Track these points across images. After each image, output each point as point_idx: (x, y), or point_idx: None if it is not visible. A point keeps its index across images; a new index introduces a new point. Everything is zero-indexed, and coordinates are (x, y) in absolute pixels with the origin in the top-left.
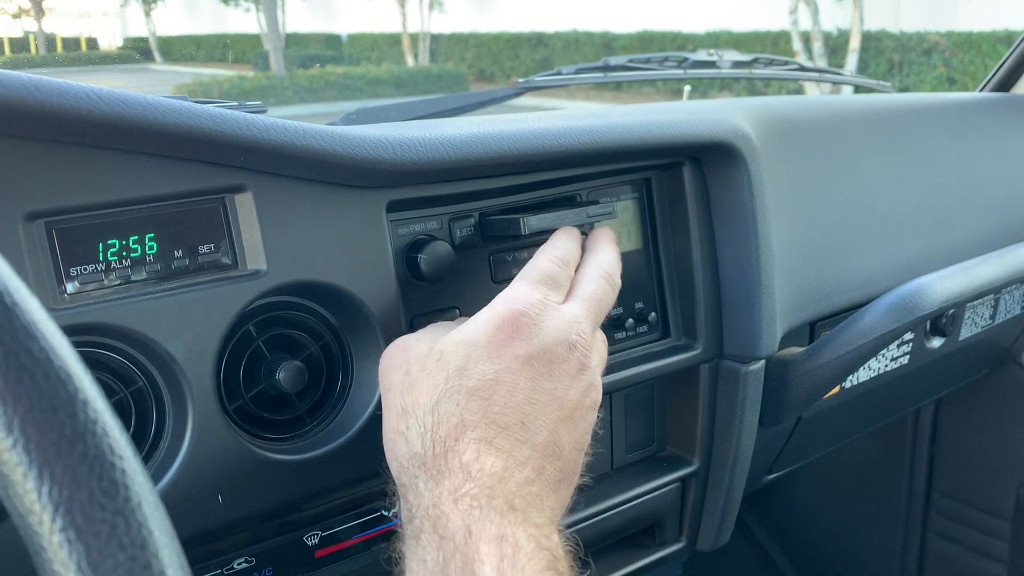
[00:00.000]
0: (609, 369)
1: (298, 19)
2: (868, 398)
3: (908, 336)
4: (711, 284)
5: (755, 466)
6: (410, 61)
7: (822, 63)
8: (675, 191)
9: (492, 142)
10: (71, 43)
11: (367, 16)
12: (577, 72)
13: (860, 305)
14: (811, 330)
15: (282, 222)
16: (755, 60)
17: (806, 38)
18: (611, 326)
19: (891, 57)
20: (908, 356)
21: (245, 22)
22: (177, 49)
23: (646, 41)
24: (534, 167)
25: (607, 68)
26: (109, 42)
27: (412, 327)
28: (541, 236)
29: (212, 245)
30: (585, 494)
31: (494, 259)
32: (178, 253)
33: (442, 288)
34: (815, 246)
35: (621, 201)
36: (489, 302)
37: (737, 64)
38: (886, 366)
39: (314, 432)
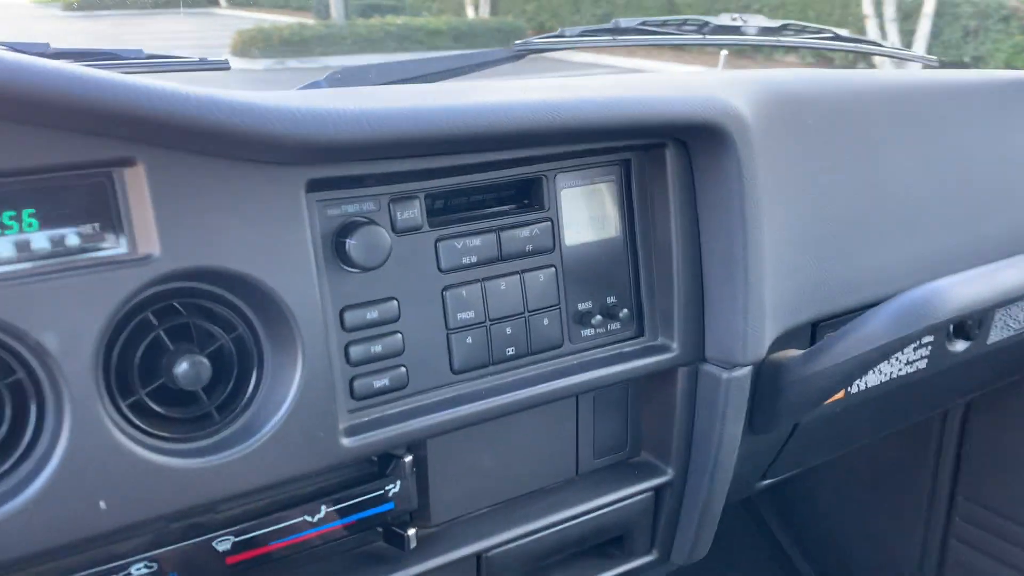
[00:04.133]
0: (574, 369)
1: None
2: (879, 403)
3: (927, 339)
4: (692, 280)
5: (744, 473)
6: (470, 13)
7: (892, 28)
8: (657, 175)
9: (428, 118)
10: None
11: None
12: (582, 35)
13: (871, 307)
14: (813, 332)
15: (179, 201)
16: (784, 27)
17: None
18: (576, 322)
19: (967, 24)
20: (926, 360)
21: None
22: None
23: (709, 1)
24: (487, 146)
25: (616, 31)
26: None
27: (342, 320)
28: (493, 219)
29: (96, 225)
30: (544, 501)
31: (441, 245)
32: (57, 233)
33: (379, 277)
34: (821, 239)
35: (596, 184)
36: (434, 293)
37: (764, 31)
38: (900, 370)
39: (221, 432)
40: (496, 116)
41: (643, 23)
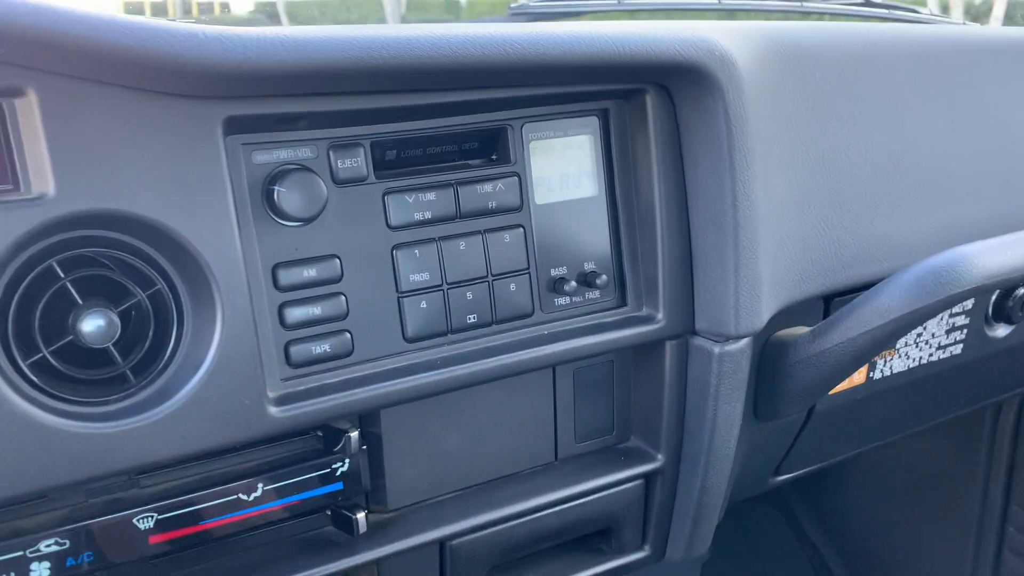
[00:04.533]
0: (545, 339)
1: None
2: (909, 392)
3: (962, 321)
4: (679, 244)
5: (754, 465)
6: None
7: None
8: (638, 127)
9: (358, 45)
10: (206, 7)
11: None
12: None
13: None
14: (825, 306)
15: (77, 136)
16: None
17: None
18: (548, 289)
19: None
20: (962, 346)
21: None
22: (303, 12)
23: None
24: (434, 83)
25: None
26: (240, 7)
27: (275, 278)
28: (450, 173)
29: None
30: (518, 486)
31: (390, 199)
32: None
33: (318, 232)
34: (830, 204)
35: (571, 136)
36: (382, 251)
37: None
38: (930, 355)
39: (135, 395)
40: (442, 47)
41: None
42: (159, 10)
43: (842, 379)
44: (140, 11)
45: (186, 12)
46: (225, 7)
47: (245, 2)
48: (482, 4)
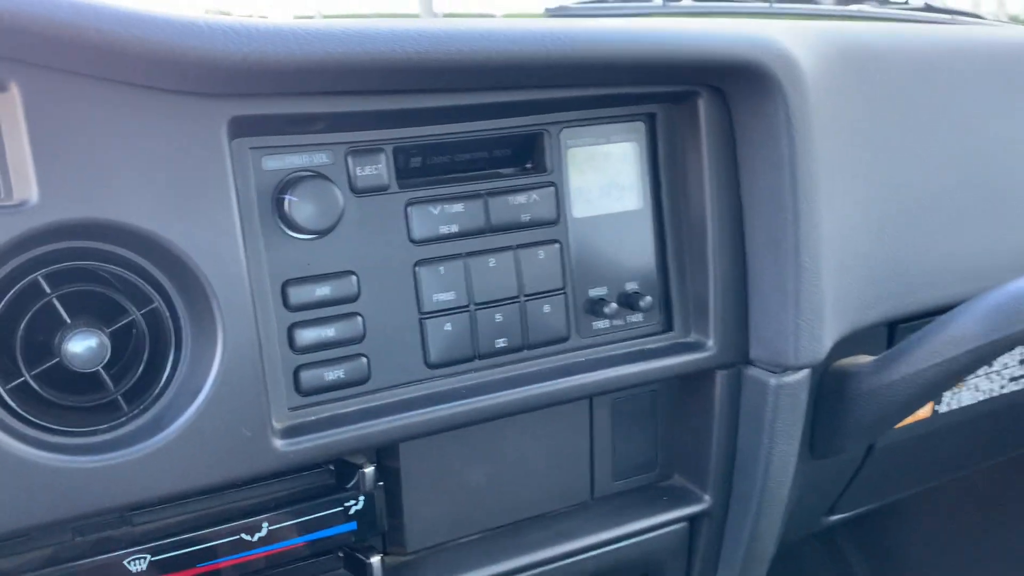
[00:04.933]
0: (582, 367)
1: (455, 2)
2: (977, 426)
3: None
4: (732, 263)
5: (808, 504)
6: None
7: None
8: (688, 133)
9: (378, 39)
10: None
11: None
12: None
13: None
14: (889, 333)
15: (64, 136)
16: None
17: None
18: (586, 311)
19: None
20: None
21: (406, 2)
22: None
23: None
24: (462, 83)
25: None
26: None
27: (285, 296)
28: (480, 182)
29: None
30: (550, 528)
31: (413, 210)
32: None
33: (333, 246)
34: (898, 220)
35: (614, 144)
36: (404, 268)
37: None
38: (1002, 387)
39: (127, 425)
40: (474, 43)
41: None
42: None
43: (908, 414)
44: None
45: None
46: (263, 18)
47: (283, 14)
48: (516, 14)
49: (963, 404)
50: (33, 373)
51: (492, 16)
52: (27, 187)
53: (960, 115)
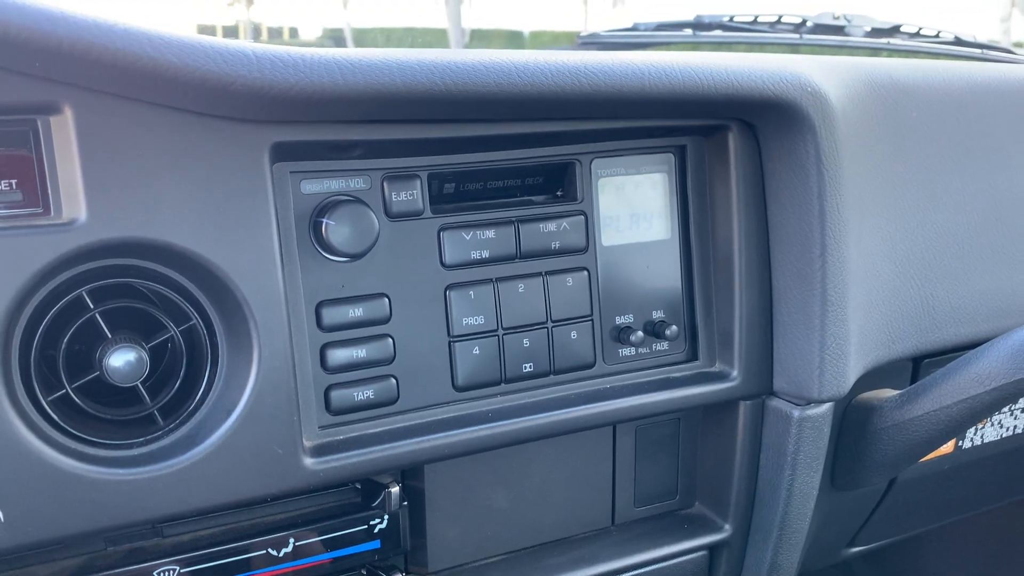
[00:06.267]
0: (607, 394)
1: (483, 15)
2: (1001, 462)
3: None
4: (759, 295)
5: (828, 536)
6: None
7: None
8: (718, 166)
9: (419, 71)
10: (275, 32)
11: (549, 13)
12: (658, 29)
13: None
14: (914, 368)
15: (113, 158)
16: (896, 28)
17: None
18: (612, 338)
19: None
20: None
21: (435, 17)
22: (369, 38)
23: None
24: (499, 114)
25: (697, 26)
26: (309, 31)
27: (319, 317)
28: (512, 209)
29: (12, 182)
30: (570, 553)
31: (446, 236)
32: None
33: (367, 269)
34: (927, 255)
35: (644, 174)
36: (435, 292)
37: (874, 32)
38: None
39: (163, 439)
40: (510, 75)
41: (730, 18)
42: (230, 32)
43: (931, 450)
44: (212, 33)
45: (256, 35)
46: (294, 31)
47: (313, 27)
48: (545, 35)
49: (986, 440)
50: (74, 385)
51: (520, 33)
52: (76, 206)
53: (988, 153)
